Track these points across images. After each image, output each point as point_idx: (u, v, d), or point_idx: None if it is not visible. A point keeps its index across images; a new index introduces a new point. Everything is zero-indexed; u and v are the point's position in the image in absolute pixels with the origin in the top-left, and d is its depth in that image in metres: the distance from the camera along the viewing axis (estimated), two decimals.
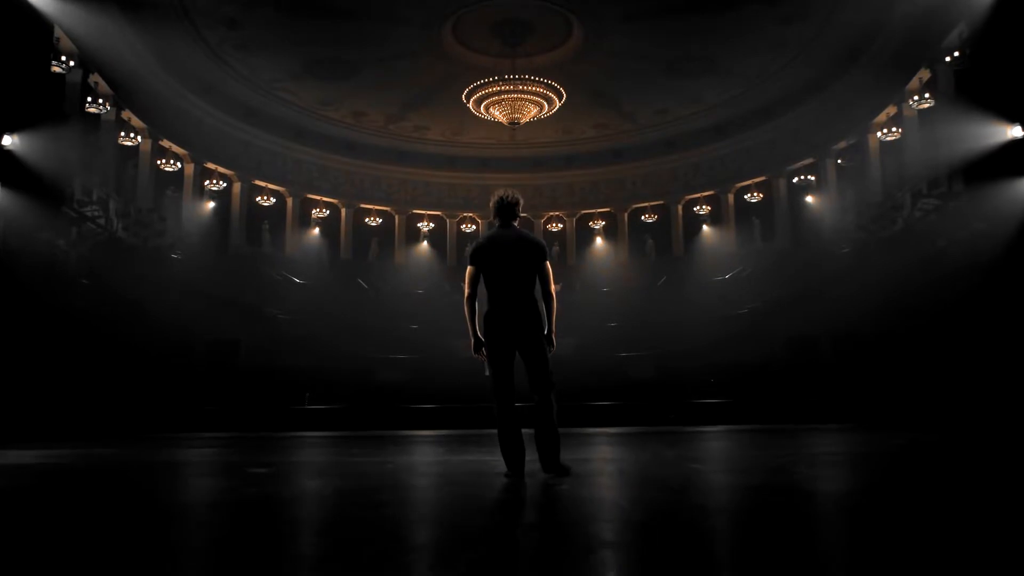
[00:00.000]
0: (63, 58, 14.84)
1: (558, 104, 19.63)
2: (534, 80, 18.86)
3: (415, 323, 23.24)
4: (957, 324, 12.56)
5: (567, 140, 25.58)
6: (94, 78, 17.04)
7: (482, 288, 4.67)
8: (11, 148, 11.54)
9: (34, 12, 12.41)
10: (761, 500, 3.69)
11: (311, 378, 17.08)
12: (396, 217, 27.14)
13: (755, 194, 24.17)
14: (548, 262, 4.74)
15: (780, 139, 23.41)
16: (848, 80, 20.17)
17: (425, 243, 27.34)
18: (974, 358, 11.85)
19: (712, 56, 19.76)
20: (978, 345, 11.82)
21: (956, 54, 14.56)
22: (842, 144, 21.68)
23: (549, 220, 27.53)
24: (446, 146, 25.99)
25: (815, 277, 19.81)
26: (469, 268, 4.73)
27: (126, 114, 18.98)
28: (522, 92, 18.96)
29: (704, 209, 25.76)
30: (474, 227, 27.24)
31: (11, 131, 11.52)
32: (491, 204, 4.85)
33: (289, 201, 25.29)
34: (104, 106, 17.12)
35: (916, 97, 17.41)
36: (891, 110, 19.12)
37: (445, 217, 27.55)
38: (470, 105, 19.71)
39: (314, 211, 25.64)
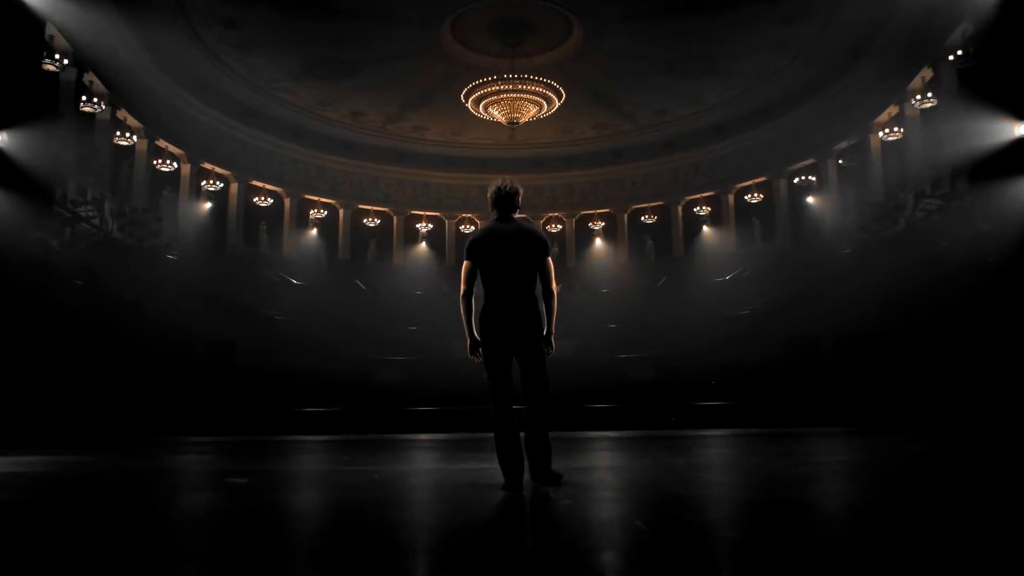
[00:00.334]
0: (57, 56, 14.64)
1: (558, 104, 19.50)
2: (533, 79, 18.73)
3: (413, 324, 23.10)
4: (961, 325, 12.41)
5: (567, 140, 25.44)
6: (89, 77, 16.86)
7: (479, 285, 4.39)
8: (1, 146, 11.37)
9: (24, 8, 12.23)
10: (802, 522, 3.25)
11: (308, 380, 16.93)
12: (394, 218, 26.99)
13: (755, 195, 24.03)
14: (550, 258, 4.45)
15: (780, 139, 23.27)
16: (849, 80, 20.02)
17: (423, 244, 27.19)
18: (980, 360, 11.69)
19: (712, 56, 19.63)
20: (984, 347, 11.66)
21: (960, 52, 14.38)
22: (843, 144, 21.52)
23: (548, 221, 27.38)
24: (445, 146, 25.85)
25: (815, 277, 19.68)
26: (465, 263, 4.45)
27: (121, 113, 18.80)
28: (521, 91, 18.83)
29: (704, 210, 25.62)
30: (473, 228, 27.09)
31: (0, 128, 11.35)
32: (488, 195, 4.55)
33: (287, 201, 25.13)
34: (99, 105, 16.91)
35: (919, 96, 17.26)
36: (893, 110, 18.98)
37: (444, 218, 27.39)
38: (469, 105, 19.57)
39: (312, 212, 25.48)
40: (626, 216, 27.08)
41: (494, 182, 4.58)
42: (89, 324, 13.46)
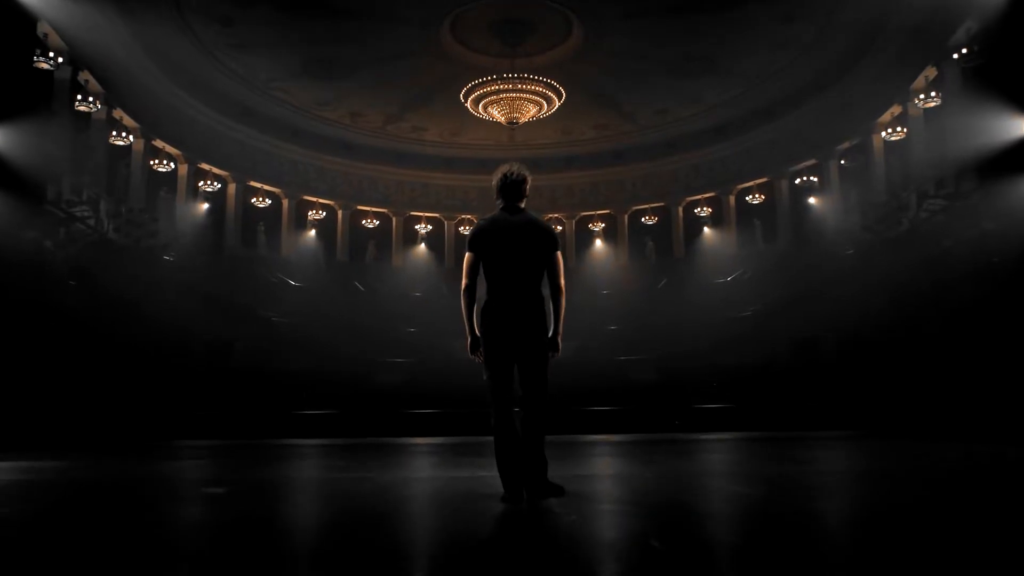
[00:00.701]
0: (51, 54, 14.47)
1: (557, 104, 19.36)
2: (533, 79, 18.59)
3: (412, 326, 22.97)
4: (966, 326, 12.25)
5: (566, 141, 25.29)
6: (84, 76, 16.69)
7: (482, 280, 4.10)
8: None
9: (14, 5, 12.06)
10: (838, 545, 2.96)
11: (307, 381, 16.79)
12: (393, 219, 26.83)
13: (757, 195, 23.89)
14: (560, 252, 4.17)
15: (781, 140, 23.11)
16: (851, 79, 19.87)
17: (423, 245, 27.02)
18: (984, 362, 11.53)
19: (712, 56, 19.48)
20: (990, 348, 11.50)
21: (964, 51, 14.22)
22: (845, 144, 21.38)
23: (548, 222, 27.12)
24: (444, 147, 25.69)
25: (817, 278, 19.53)
26: (468, 255, 4.11)
27: (117, 113, 18.63)
28: (521, 91, 18.69)
29: (705, 211, 25.48)
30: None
31: None
32: (494, 182, 4.23)
33: (285, 202, 24.97)
34: (94, 104, 16.75)
35: (922, 96, 17.11)
36: (896, 109, 18.81)
37: (443, 219, 27.23)
38: (468, 105, 19.42)
39: (310, 212, 25.33)
40: (626, 217, 26.93)
41: (500, 168, 4.28)
42: (84, 324, 13.30)
